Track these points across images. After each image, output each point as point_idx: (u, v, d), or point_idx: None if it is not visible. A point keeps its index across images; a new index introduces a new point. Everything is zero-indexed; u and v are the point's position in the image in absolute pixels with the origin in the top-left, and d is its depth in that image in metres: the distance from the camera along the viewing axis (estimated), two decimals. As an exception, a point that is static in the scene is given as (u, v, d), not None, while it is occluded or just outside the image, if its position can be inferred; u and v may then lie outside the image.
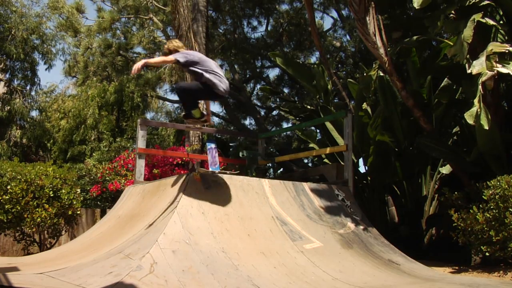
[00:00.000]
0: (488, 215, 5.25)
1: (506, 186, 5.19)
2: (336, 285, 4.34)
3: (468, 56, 5.54)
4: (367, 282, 4.54)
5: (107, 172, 9.47)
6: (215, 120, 18.15)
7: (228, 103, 15.07)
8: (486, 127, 5.13)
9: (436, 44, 7.89)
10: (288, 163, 11.84)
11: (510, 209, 5.06)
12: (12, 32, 14.34)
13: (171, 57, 5.17)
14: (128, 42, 14.71)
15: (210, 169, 6.97)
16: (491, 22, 5.73)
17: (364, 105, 8.34)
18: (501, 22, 6.39)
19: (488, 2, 5.87)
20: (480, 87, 5.18)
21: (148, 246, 4.21)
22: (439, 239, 7.95)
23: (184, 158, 9.11)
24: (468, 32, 5.44)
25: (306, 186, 6.23)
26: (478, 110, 5.13)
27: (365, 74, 7.69)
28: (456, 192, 6.06)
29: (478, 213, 5.36)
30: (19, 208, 6.73)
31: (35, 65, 15.54)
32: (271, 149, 14.42)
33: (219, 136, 14.19)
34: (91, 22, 15.99)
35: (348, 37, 15.01)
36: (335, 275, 4.60)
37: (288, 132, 15.77)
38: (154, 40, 14.91)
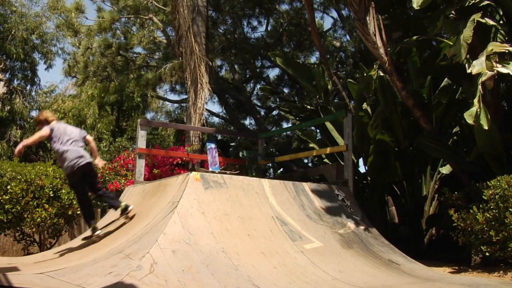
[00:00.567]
0: (488, 215, 5.25)
1: (506, 186, 5.19)
2: (336, 285, 4.34)
3: (468, 56, 5.54)
4: (367, 282, 4.54)
5: (107, 172, 9.47)
6: (215, 120, 18.16)
7: (228, 103, 15.06)
8: (486, 127, 5.13)
9: (436, 44, 7.89)
10: (288, 163, 11.83)
11: (510, 209, 5.06)
12: (12, 32, 14.34)
13: (45, 130, 5.37)
14: (128, 42, 14.70)
15: (210, 169, 6.98)
16: (491, 22, 5.73)
17: (364, 105, 8.34)
18: (501, 22, 6.39)
19: (488, 2, 5.87)
20: (479, 87, 5.18)
21: (148, 246, 4.21)
22: (439, 239, 7.94)
23: (184, 158, 9.11)
24: (467, 32, 5.44)
25: (306, 186, 6.23)
26: (478, 110, 5.13)
27: (365, 74, 7.68)
28: (456, 192, 6.05)
29: (478, 213, 5.36)
30: (19, 208, 6.73)
31: (35, 65, 15.54)
32: (271, 149, 14.41)
33: (219, 136, 14.21)
34: (91, 22, 15.98)
35: (348, 37, 15.01)
36: (335, 275, 4.60)
37: (288, 132, 15.76)
38: (154, 40, 14.91)
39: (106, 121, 15.51)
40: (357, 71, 12.63)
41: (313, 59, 16.40)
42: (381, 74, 7.60)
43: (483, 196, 5.41)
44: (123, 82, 15.19)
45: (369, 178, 8.34)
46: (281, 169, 13.40)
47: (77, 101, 16.13)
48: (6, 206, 6.66)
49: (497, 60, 5.28)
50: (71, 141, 5.35)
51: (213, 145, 7.36)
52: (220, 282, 3.93)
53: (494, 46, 5.40)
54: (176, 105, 19.25)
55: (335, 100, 11.06)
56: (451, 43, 6.11)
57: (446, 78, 7.60)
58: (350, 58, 14.38)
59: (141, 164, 7.33)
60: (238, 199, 5.38)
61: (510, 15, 6.24)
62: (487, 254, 5.35)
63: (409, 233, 7.68)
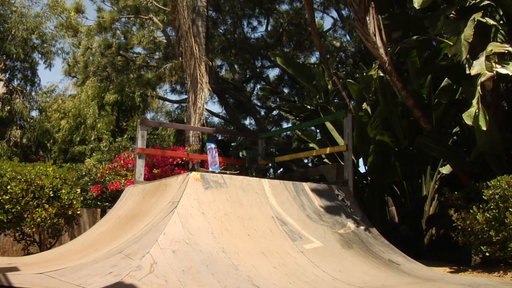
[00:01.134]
0: (488, 215, 5.25)
1: (506, 186, 5.19)
2: (336, 285, 4.34)
3: (468, 56, 5.54)
4: (367, 282, 4.54)
5: (107, 172, 9.47)
6: (215, 120, 18.16)
7: (228, 103, 15.07)
8: (484, 128, 5.13)
9: (436, 44, 7.89)
10: (288, 163, 11.83)
11: (510, 209, 5.06)
12: (12, 32, 14.34)
13: None
14: (128, 42, 14.69)
15: (210, 169, 6.98)
16: (491, 22, 5.73)
17: (364, 105, 8.35)
18: (501, 22, 6.39)
19: (488, 2, 5.87)
20: (479, 87, 5.18)
21: (148, 246, 4.21)
22: (439, 239, 7.94)
23: (184, 158, 9.11)
24: (468, 31, 5.44)
25: (306, 186, 6.23)
26: (476, 110, 5.13)
27: (365, 74, 7.68)
28: (456, 192, 6.06)
29: (478, 213, 5.36)
30: (19, 208, 6.73)
31: (35, 65, 15.54)
32: (271, 149, 14.42)
33: (219, 136, 14.20)
34: (91, 22, 15.98)
35: (348, 37, 15.01)
36: (335, 275, 4.60)
37: (288, 132, 15.76)
38: (154, 40, 14.91)
39: (106, 121, 15.51)
40: (357, 71, 12.63)
41: (313, 59, 16.42)
42: (381, 74, 7.60)
43: (483, 196, 5.41)
44: (123, 82, 15.19)
45: (369, 178, 8.34)
46: (281, 169, 13.40)
47: (77, 101, 16.14)
48: (6, 206, 6.66)
49: (497, 60, 5.28)
50: None
51: (213, 145, 7.37)
52: (220, 282, 3.93)
53: (494, 47, 5.40)
54: (176, 105, 19.26)
55: (335, 100, 11.06)
56: (451, 43, 6.11)
57: (446, 78, 7.60)
58: (350, 58, 14.38)
59: (141, 164, 7.34)
60: (238, 199, 5.38)
61: (510, 15, 6.24)
62: (487, 254, 5.35)
63: (409, 233, 7.68)
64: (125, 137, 14.97)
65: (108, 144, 14.44)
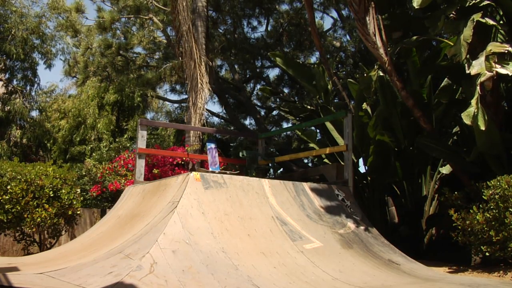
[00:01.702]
0: (488, 215, 5.25)
1: (506, 186, 5.19)
2: (336, 285, 4.34)
3: (468, 56, 5.54)
4: (367, 282, 4.54)
5: (107, 172, 9.47)
6: (215, 120, 18.16)
7: (228, 103, 15.07)
8: (483, 128, 5.13)
9: (436, 44, 7.89)
10: (288, 163, 11.84)
11: (510, 209, 5.06)
12: (12, 32, 14.33)
13: None
14: (128, 42, 14.70)
15: (210, 169, 6.98)
16: (491, 22, 5.73)
17: (364, 105, 8.34)
18: (501, 22, 6.39)
19: (488, 2, 5.87)
20: (478, 87, 5.18)
21: (148, 246, 4.21)
22: (439, 239, 7.95)
23: (184, 158, 9.11)
24: (467, 32, 5.44)
25: (306, 186, 6.23)
26: (475, 110, 5.13)
27: (365, 74, 7.68)
28: (456, 192, 6.05)
29: (478, 213, 5.36)
30: (19, 208, 6.73)
31: (35, 65, 15.53)
32: (271, 149, 14.42)
33: (219, 136, 14.20)
34: (91, 22, 15.99)
35: (348, 37, 15.00)
36: (335, 275, 4.60)
37: (288, 132, 15.76)
38: (154, 40, 14.91)
39: (106, 121, 15.50)
40: (357, 71, 12.63)
41: (313, 59, 16.41)
42: (381, 74, 7.60)
43: (483, 196, 5.41)
44: (123, 82, 15.20)
45: (369, 178, 8.34)
46: (281, 169, 13.41)
47: (77, 101, 16.13)
48: (6, 206, 6.66)
49: (496, 60, 5.28)
50: None
51: (213, 145, 7.37)
52: (220, 282, 3.93)
53: (494, 47, 5.40)
54: (176, 105, 19.26)
55: (335, 100, 11.06)
56: (451, 43, 6.11)
57: (446, 78, 7.60)
58: (350, 58, 14.37)
59: (141, 164, 7.34)
60: (238, 199, 5.38)
61: (510, 15, 6.24)
62: (487, 254, 5.35)
63: (409, 233, 7.68)
64: (125, 137, 14.96)
65: (108, 144, 14.43)
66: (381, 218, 8.04)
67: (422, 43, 6.96)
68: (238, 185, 5.56)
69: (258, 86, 17.06)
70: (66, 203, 7.20)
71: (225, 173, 6.31)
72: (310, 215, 5.71)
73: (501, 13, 6.45)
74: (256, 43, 15.24)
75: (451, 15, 6.25)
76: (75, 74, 17.97)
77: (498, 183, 5.30)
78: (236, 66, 15.94)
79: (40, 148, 16.67)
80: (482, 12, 5.71)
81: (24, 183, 6.80)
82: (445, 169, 7.84)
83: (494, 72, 5.20)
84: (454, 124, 8.19)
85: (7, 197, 6.65)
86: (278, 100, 15.96)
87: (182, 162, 9.39)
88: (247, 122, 17.84)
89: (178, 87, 16.73)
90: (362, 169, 8.95)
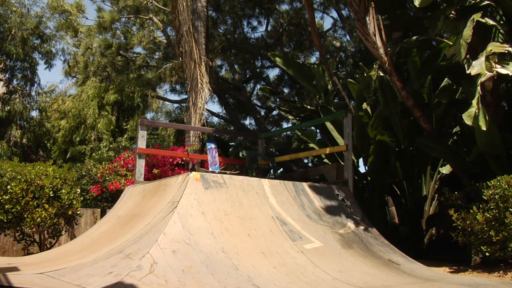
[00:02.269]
0: (488, 215, 5.25)
1: (506, 186, 5.19)
2: (336, 285, 4.34)
3: (468, 56, 5.54)
4: (367, 282, 4.54)
5: (107, 172, 9.47)
6: (215, 120, 18.16)
7: (228, 103, 15.07)
8: (484, 128, 5.13)
9: (436, 44, 7.89)
10: (288, 163, 11.83)
11: (510, 209, 5.06)
12: (12, 32, 14.33)
13: None
14: (128, 42, 14.70)
15: (210, 169, 6.99)
16: (491, 22, 5.73)
17: (364, 105, 8.34)
18: (501, 22, 6.39)
19: (488, 2, 5.87)
20: (479, 88, 5.18)
21: (148, 246, 4.21)
22: (439, 239, 7.95)
23: (184, 158, 9.11)
24: (467, 32, 5.44)
25: (306, 186, 6.23)
26: (476, 111, 5.13)
27: (365, 74, 7.69)
28: (456, 192, 6.06)
29: (478, 213, 5.36)
30: (19, 208, 6.73)
31: (35, 65, 15.51)
32: (271, 149, 14.42)
33: (217, 136, 14.20)
34: (91, 22, 15.98)
35: (348, 37, 15.01)
36: (335, 275, 4.60)
37: (288, 132, 15.76)
38: (154, 40, 14.91)
39: (106, 121, 15.50)
40: (357, 71, 12.63)
41: (313, 59, 16.41)
42: (381, 74, 7.60)
43: (483, 196, 5.41)
44: (123, 82, 15.19)
45: (369, 178, 8.34)
46: (281, 169, 13.40)
47: (77, 101, 16.13)
48: (6, 206, 6.66)
49: (497, 60, 5.28)
50: None
51: (213, 145, 7.37)
52: (220, 282, 3.93)
53: (494, 47, 5.40)
54: (176, 105, 19.26)
55: (335, 100, 11.05)
56: (451, 43, 6.11)
57: (446, 78, 7.60)
58: (350, 58, 14.37)
59: (141, 164, 7.34)
60: (238, 199, 5.38)
61: (510, 15, 6.24)
62: (487, 254, 5.35)
63: (409, 233, 7.68)
64: (125, 137, 14.96)
65: (108, 144, 14.43)
66: (381, 218, 8.04)
67: (422, 43, 6.96)
68: (238, 185, 5.56)
69: (258, 86, 17.07)
70: (66, 203, 7.20)
71: (225, 173, 6.31)
72: (310, 215, 5.71)
73: (501, 13, 6.45)
74: (256, 43, 15.24)
75: (451, 15, 6.25)
76: (75, 74, 17.96)
77: (498, 183, 5.30)
78: (236, 66, 15.95)
79: (40, 148, 16.66)
80: (482, 12, 5.71)
81: (24, 183, 6.80)
82: (445, 169, 7.84)
83: (495, 72, 5.20)
84: (454, 124, 8.19)
85: (7, 197, 6.65)
86: (278, 100, 15.96)
87: (182, 162, 9.39)
88: (247, 122, 17.86)
89: (178, 87, 16.73)
90: (362, 169, 8.97)
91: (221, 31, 15.39)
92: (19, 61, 14.94)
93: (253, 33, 15.95)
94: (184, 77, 10.28)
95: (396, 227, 8.12)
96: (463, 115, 5.28)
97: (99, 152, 13.61)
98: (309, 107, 10.20)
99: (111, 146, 14.12)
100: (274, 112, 17.03)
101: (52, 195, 7.04)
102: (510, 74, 5.19)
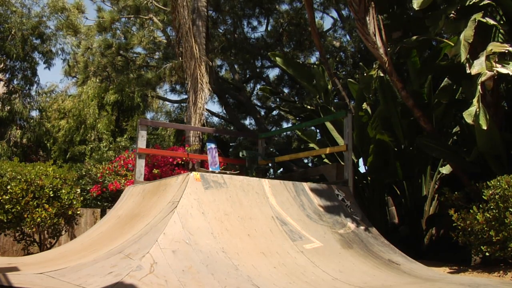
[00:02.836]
0: (488, 215, 5.25)
1: (506, 186, 5.19)
2: (336, 285, 4.34)
3: (468, 56, 5.54)
4: (367, 282, 4.54)
5: (107, 172, 9.47)
6: (215, 120, 18.16)
7: (228, 103, 15.07)
8: (485, 127, 5.13)
9: (436, 44, 7.90)
10: (288, 163, 11.84)
11: (510, 209, 5.06)
12: (12, 32, 14.33)
13: None
14: (128, 42, 14.70)
15: (210, 169, 6.98)
16: (492, 22, 5.73)
17: (364, 105, 8.35)
18: (501, 22, 6.39)
19: (488, 1, 5.87)
20: (479, 87, 5.18)
21: (148, 246, 4.21)
22: (439, 239, 7.95)
23: (184, 158, 9.11)
24: (469, 32, 5.44)
25: (306, 186, 6.23)
26: (477, 110, 5.13)
27: (365, 74, 7.69)
28: (456, 192, 6.06)
29: (478, 213, 5.36)
30: (19, 208, 6.73)
31: (35, 65, 15.52)
32: (271, 149, 14.42)
33: (218, 136, 14.20)
34: (91, 22, 15.99)
35: (348, 37, 15.01)
36: (335, 275, 4.60)
37: (288, 132, 15.76)
38: (154, 40, 14.91)
39: (106, 121, 15.51)
40: (357, 71, 12.63)
41: (313, 59, 16.41)
42: (381, 74, 7.60)
43: (483, 196, 5.41)
44: (123, 82, 15.19)
45: (369, 178, 8.34)
46: (281, 169, 13.41)
47: (77, 101, 16.13)
48: (6, 206, 6.66)
49: (497, 60, 5.28)
50: None
51: (213, 145, 7.37)
52: (220, 282, 3.93)
53: (494, 46, 5.40)
54: (176, 105, 19.26)
55: (335, 100, 11.06)
56: (451, 43, 6.12)
57: (446, 78, 7.60)
58: (350, 58, 14.38)
59: (141, 164, 7.34)
60: (238, 199, 5.38)
61: (510, 15, 6.24)
62: (487, 254, 5.35)
63: (409, 233, 7.68)
64: (125, 137, 14.96)
65: (108, 144, 14.43)
66: (381, 218, 8.03)
67: (422, 43, 6.96)
68: (238, 185, 5.56)
69: (258, 86, 17.07)
70: (66, 203, 7.20)
71: (225, 173, 6.31)
72: (310, 215, 5.71)
73: (501, 13, 6.45)
74: (256, 43, 15.25)
75: (451, 15, 6.25)
76: (75, 74, 17.96)
77: (498, 183, 5.30)
78: (236, 66, 15.95)
79: (40, 148, 16.66)
80: (482, 12, 5.71)
81: (24, 183, 6.80)
82: (445, 169, 7.84)
83: (495, 71, 5.21)
84: (454, 124, 8.19)
85: (7, 197, 6.65)
86: (278, 100, 15.96)
87: (182, 162, 9.39)
88: (247, 122, 17.86)
89: (178, 87, 16.73)
90: (362, 169, 8.96)
91: (221, 31, 15.39)
92: (19, 61, 14.94)
93: (253, 33, 15.97)
94: (184, 77, 10.28)
95: (396, 227, 8.12)
96: (463, 113, 5.28)
97: (99, 152, 13.61)
98: (309, 107, 10.20)
99: (111, 146, 14.13)
100: (274, 112, 17.04)
101: (52, 195, 7.04)
102: (511, 74, 5.19)
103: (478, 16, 5.53)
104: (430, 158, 7.68)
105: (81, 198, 8.06)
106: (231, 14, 14.69)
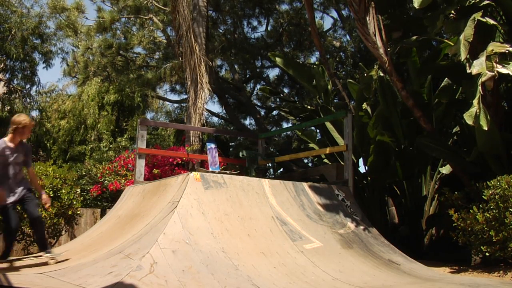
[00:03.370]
0: (488, 215, 5.25)
1: (506, 186, 5.19)
2: (336, 285, 4.34)
3: (468, 56, 5.54)
4: (367, 282, 4.54)
5: (107, 172, 9.48)
6: (215, 120, 18.17)
7: (228, 103, 15.07)
8: (485, 128, 5.13)
9: (436, 44, 7.90)
10: (288, 163, 11.84)
11: (510, 209, 5.06)
12: (12, 32, 14.33)
13: None
14: (128, 42, 14.70)
15: (210, 169, 6.98)
16: (491, 22, 5.73)
17: (364, 105, 8.35)
18: (501, 22, 6.39)
19: (488, 1, 5.87)
20: (479, 87, 5.18)
21: (148, 246, 4.21)
22: (439, 239, 7.95)
23: (184, 158, 9.11)
24: (468, 31, 5.44)
25: (306, 186, 6.23)
26: (478, 110, 5.13)
27: (365, 74, 7.68)
28: (456, 192, 6.05)
29: (478, 213, 5.36)
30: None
31: (35, 65, 15.52)
32: (271, 149, 14.42)
33: (218, 136, 14.21)
34: (91, 22, 15.99)
35: (348, 37, 15.01)
36: (335, 275, 4.60)
37: (288, 132, 15.76)
38: (154, 40, 14.91)
39: (106, 121, 15.52)
40: (357, 71, 12.63)
41: (313, 59, 16.41)
42: (381, 74, 7.61)
43: (483, 196, 5.41)
44: (123, 82, 15.20)
45: (369, 178, 8.34)
46: (281, 169, 13.41)
47: (77, 101, 16.15)
48: (6, 206, 6.65)
49: (497, 60, 5.28)
50: None
51: (213, 145, 7.36)
52: (220, 282, 3.93)
53: (494, 46, 5.40)
54: (176, 105, 19.26)
55: (335, 100, 11.05)
56: (451, 43, 6.11)
57: (446, 78, 7.60)
58: (350, 58, 14.37)
59: (141, 164, 7.34)
60: (238, 199, 5.38)
61: (510, 14, 6.24)
62: (487, 254, 5.35)
63: (409, 233, 7.68)
64: (125, 137, 14.98)
65: (108, 144, 14.44)
66: (381, 218, 8.04)
67: (422, 43, 6.96)
68: (238, 185, 5.56)
69: (258, 86, 17.07)
70: (66, 203, 7.20)
71: (225, 173, 6.31)
72: (310, 215, 5.71)
73: (501, 13, 6.45)
74: (256, 43, 15.24)
75: (451, 14, 6.25)
76: (75, 74, 17.97)
77: (498, 183, 5.30)
78: (236, 66, 15.95)
79: (40, 148, 16.67)
80: (482, 11, 5.71)
81: (24, 183, 6.78)
82: (445, 169, 7.84)
83: (495, 72, 5.20)
84: (454, 124, 8.19)
85: (7, 197, 6.64)
86: (278, 100, 15.97)
87: (182, 162, 9.39)
88: (247, 122, 17.86)
89: (178, 87, 16.73)
90: (362, 169, 8.97)
91: (221, 31, 15.39)
92: (19, 61, 14.94)
93: (253, 33, 15.97)
94: (184, 77, 10.28)
95: (396, 227, 8.12)
96: (464, 115, 5.28)
97: (99, 152, 13.62)
98: (309, 107, 10.21)
99: (111, 146, 14.14)
100: (274, 112, 17.04)
101: (52, 195, 7.04)
102: (511, 74, 5.19)
103: (477, 16, 5.53)
104: (430, 158, 7.68)
105: (81, 198, 8.07)
106: (231, 14, 14.69)
